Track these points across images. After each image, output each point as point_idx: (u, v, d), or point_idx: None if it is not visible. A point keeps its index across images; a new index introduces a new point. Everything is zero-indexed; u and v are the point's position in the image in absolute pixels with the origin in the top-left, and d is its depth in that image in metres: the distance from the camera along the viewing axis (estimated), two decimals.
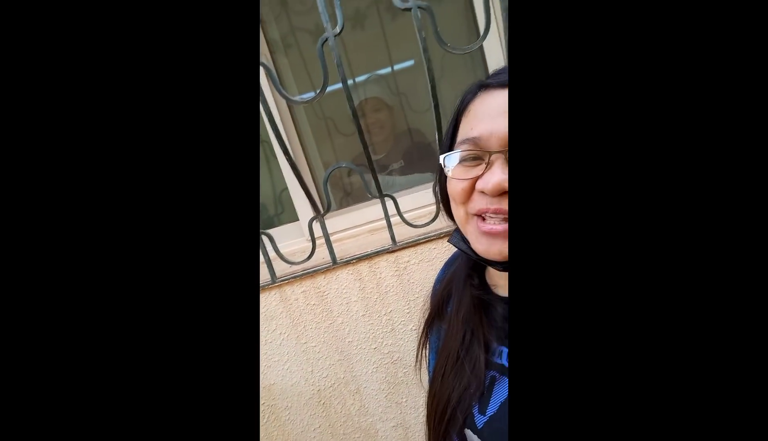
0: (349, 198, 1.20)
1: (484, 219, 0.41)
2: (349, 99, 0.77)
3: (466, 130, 0.42)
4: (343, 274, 0.94)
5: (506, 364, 0.45)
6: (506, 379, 0.44)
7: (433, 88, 0.75)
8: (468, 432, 0.46)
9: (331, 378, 1.00)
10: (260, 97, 0.79)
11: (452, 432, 0.47)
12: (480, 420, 0.44)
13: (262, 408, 1.04)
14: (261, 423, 1.05)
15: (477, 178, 0.40)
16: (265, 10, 1.09)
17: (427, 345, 0.59)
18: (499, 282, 0.49)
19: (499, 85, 0.41)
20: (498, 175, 0.38)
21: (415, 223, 0.91)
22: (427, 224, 0.90)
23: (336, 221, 1.09)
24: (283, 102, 1.06)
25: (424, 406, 0.55)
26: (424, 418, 0.54)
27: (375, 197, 0.89)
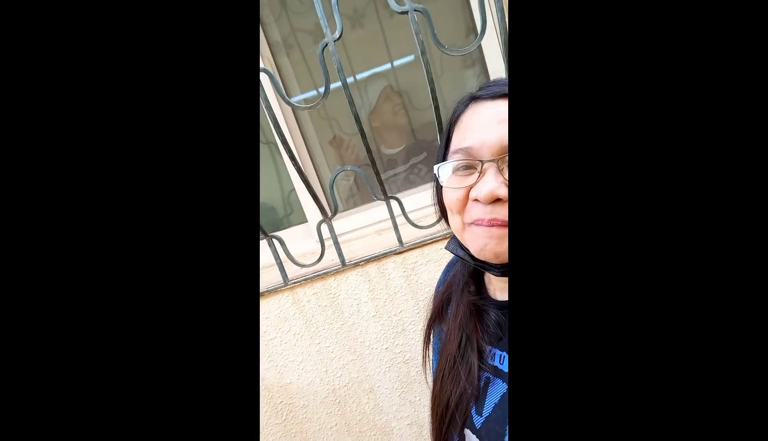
0: (356, 198, 1.21)
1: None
2: (351, 103, 0.77)
3: (458, 141, 0.42)
4: (353, 276, 0.95)
5: (499, 366, 0.46)
6: (499, 381, 0.46)
7: (433, 90, 0.74)
8: (467, 432, 0.48)
9: (345, 377, 1.02)
10: (264, 101, 0.80)
11: (453, 432, 0.49)
12: (478, 420, 0.46)
13: (280, 406, 1.07)
14: (279, 421, 1.08)
15: (471, 187, 0.41)
16: (266, 12, 1.09)
17: (430, 346, 0.60)
18: (498, 286, 0.50)
19: (490, 97, 0.41)
20: (491, 183, 0.38)
21: (420, 224, 0.90)
22: (433, 225, 0.90)
23: (343, 222, 1.10)
24: (281, 106, 1.06)
25: None
26: None
27: (380, 199, 0.89)
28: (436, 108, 0.75)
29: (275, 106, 1.03)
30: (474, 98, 0.43)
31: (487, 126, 0.40)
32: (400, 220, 0.93)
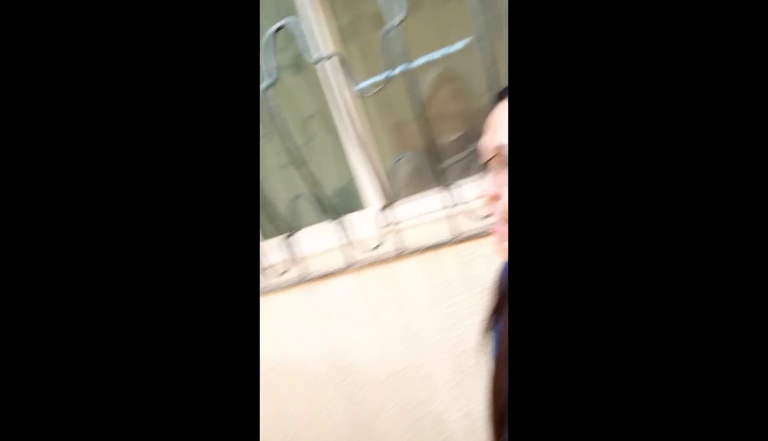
0: (414, 185, 1.20)
1: None
2: (412, 88, 0.76)
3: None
4: (411, 263, 0.95)
5: None
6: None
7: (491, 76, 0.70)
8: None
9: (401, 364, 1.03)
10: (330, 89, 0.81)
11: (505, 430, 0.49)
12: None
13: (341, 384, 1.12)
14: (341, 397, 1.13)
15: None
16: (330, 2, 1.10)
17: (490, 338, 0.58)
18: None
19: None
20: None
21: (477, 214, 0.87)
22: (489, 216, 0.86)
23: (403, 209, 1.10)
24: (349, 92, 1.08)
25: None
26: None
27: (439, 187, 0.87)
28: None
29: (337, 92, 1.05)
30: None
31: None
32: (458, 208, 0.91)
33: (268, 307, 1.19)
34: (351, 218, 1.19)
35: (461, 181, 1.02)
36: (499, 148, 0.40)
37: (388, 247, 0.99)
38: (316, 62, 0.86)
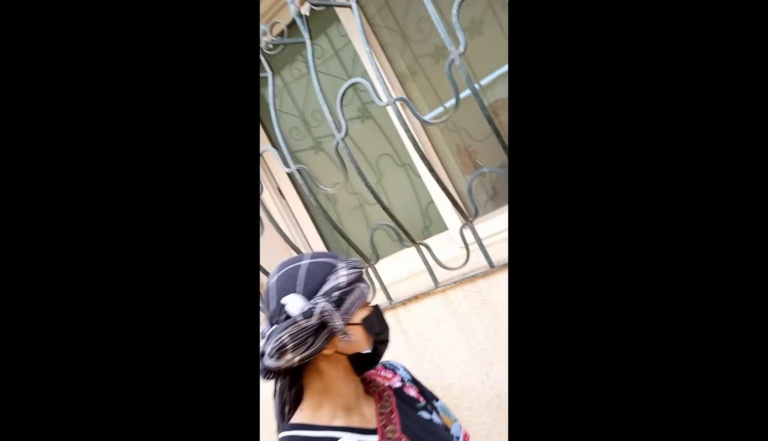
0: (493, 202, 1.21)
1: None
2: (483, 107, 0.81)
3: None
4: (502, 278, 0.95)
5: None
6: None
7: None
8: None
9: (507, 383, 1.01)
10: (402, 125, 0.88)
11: None
12: None
13: (449, 405, 1.11)
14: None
15: None
16: (391, 49, 1.21)
17: None
18: None
19: None
20: None
21: None
22: None
23: (486, 226, 1.11)
24: (419, 125, 1.15)
25: None
26: None
27: None
28: None
29: (409, 126, 1.13)
30: None
31: None
32: None
33: None
34: (432, 241, 1.23)
35: None
36: None
37: (475, 264, 1.00)
38: (387, 105, 0.93)
